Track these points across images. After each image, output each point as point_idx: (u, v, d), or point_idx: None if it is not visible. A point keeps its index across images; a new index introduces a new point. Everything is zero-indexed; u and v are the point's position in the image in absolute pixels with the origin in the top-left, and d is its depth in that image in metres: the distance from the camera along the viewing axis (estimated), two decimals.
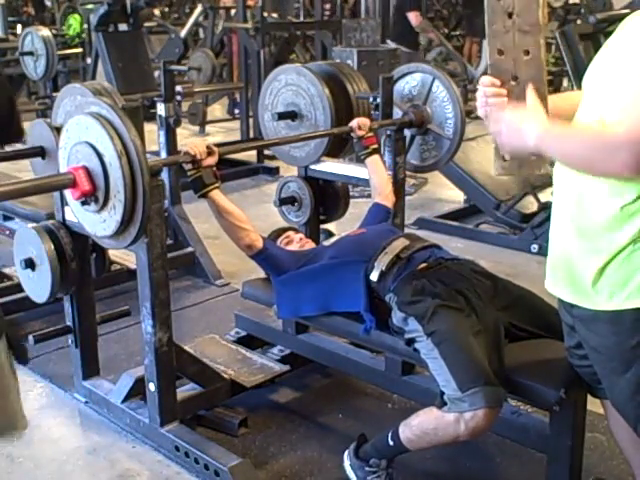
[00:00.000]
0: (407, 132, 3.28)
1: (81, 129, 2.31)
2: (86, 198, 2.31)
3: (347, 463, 2.44)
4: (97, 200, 2.31)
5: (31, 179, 2.46)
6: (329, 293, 2.61)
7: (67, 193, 2.43)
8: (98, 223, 2.37)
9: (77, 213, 2.47)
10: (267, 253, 2.71)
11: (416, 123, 3.24)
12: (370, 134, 3.01)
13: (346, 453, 2.46)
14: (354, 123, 3.01)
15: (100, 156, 2.25)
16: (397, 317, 2.38)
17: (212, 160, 2.56)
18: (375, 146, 3.03)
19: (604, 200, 1.73)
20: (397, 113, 3.30)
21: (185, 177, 2.65)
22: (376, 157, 3.03)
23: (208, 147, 2.56)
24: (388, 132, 3.17)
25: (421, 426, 2.23)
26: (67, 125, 2.38)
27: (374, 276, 2.49)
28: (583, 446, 2.28)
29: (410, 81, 3.33)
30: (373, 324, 2.48)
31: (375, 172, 3.01)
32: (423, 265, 2.48)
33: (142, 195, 2.22)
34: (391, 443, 2.31)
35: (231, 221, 2.63)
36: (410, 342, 2.34)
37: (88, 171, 2.28)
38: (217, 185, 2.59)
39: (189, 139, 7.46)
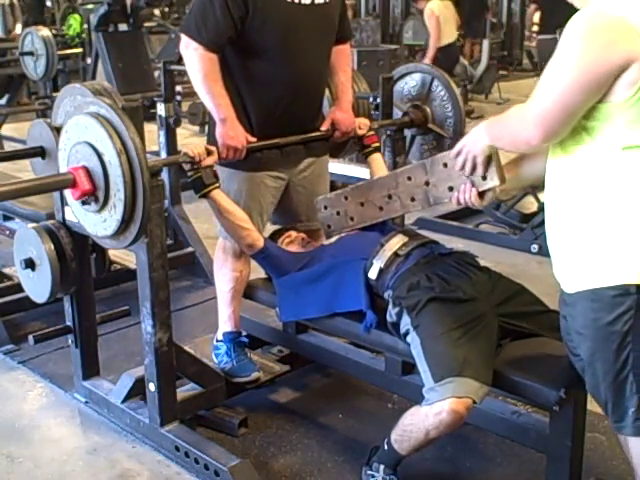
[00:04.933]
0: (407, 132, 3.28)
1: (80, 129, 2.31)
2: (86, 198, 2.31)
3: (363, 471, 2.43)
4: (97, 200, 2.31)
5: (31, 179, 2.46)
6: (330, 294, 2.60)
7: (67, 193, 2.43)
8: (98, 223, 2.37)
9: (77, 213, 2.47)
10: (268, 253, 2.70)
11: (416, 123, 3.24)
12: (371, 133, 3.01)
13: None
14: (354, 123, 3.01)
15: (100, 155, 2.25)
16: (392, 311, 2.37)
17: (211, 160, 2.56)
18: (377, 144, 3.03)
19: (574, 179, 1.78)
20: (397, 113, 3.30)
21: (185, 177, 2.65)
22: (377, 155, 3.02)
23: (207, 148, 2.56)
24: (388, 132, 3.17)
25: (402, 424, 2.23)
26: (66, 126, 2.38)
27: (373, 274, 2.48)
28: (583, 446, 2.27)
29: (410, 81, 3.33)
30: (374, 322, 2.48)
31: (376, 171, 3.01)
32: (421, 261, 2.47)
33: (142, 192, 2.22)
34: (385, 447, 2.30)
35: (232, 220, 2.63)
36: (405, 336, 2.33)
37: (88, 171, 2.29)
38: (217, 185, 2.59)
39: (189, 139, 7.45)
